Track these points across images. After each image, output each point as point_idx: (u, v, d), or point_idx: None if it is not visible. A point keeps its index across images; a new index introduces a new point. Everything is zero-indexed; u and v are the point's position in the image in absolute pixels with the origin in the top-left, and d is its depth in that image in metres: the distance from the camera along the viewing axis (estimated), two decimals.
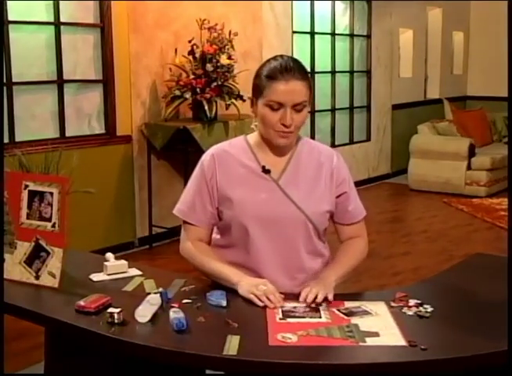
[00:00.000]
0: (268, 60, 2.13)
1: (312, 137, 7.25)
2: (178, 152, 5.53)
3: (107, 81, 5.31)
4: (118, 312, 1.81)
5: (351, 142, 8.24)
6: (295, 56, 2.23)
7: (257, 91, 2.10)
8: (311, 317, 1.88)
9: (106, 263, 2.26)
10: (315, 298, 1.95)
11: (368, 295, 2.16)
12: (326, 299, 1.96)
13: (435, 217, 6.85)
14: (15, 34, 4.69)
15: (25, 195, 2.16)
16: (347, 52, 8.10)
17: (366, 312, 1.92)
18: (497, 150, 8.19)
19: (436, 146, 7.97)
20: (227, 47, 5.56)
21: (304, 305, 1.95)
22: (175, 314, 1.80)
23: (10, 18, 4.63)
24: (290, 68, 2.06)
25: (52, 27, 4.96)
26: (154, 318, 1.84)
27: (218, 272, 2.12)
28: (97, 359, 2.01)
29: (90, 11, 5.19)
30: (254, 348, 1.69)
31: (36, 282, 2.15)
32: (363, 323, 1.83)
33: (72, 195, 2.22)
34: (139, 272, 2.26)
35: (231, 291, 2.03)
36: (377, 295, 2.17)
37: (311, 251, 2.20)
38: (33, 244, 2.15)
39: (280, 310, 1.92)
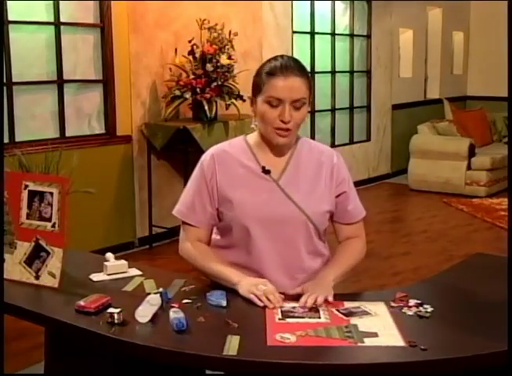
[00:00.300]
0: (269, 60, 2.14)
1: (312, 137, 7.25)
2: (178, 152, 5.53)
3: (107, 81, 5.31)
4: (118, 312, 1.81)
5: (351, 142, 8.24)
6: (295, 56, 2.24)
7: (257, 88, 2.11)
8: (310, 317, 1.88)
9: (106, 263, 2.26)
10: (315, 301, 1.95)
11: (368, 295, 2.16)
12: (325, 301, 1.96)
13: (435, 217, 6.85)
14: (15, 34, 4.69)
15: (25, 195, 2.16)
16: (347, 52, 8.10)
17: (366, 313, 1.91)
18: (497, 150, 8.19)
19: (436, 146, 7.97)
20: (227, 47, 5.56)
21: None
22: (175, 314, 1.80)
23: (10, 18, 4.63)
24: (290, 66, 2.07)
25: (52, 27, 4.96)
26: (154, 318, 1.84)
27: (218, 273, 2.11)
28: (97, 359, 2.01)
29: (90, 11, 5.20)
30: (254, 348, 1.69)
31: (36, 282, 2.15)
32: (362, 324, 1.83)
33: (72, 195, 2.22)
34: (139, 272, 2.26)
35: (231, 291, 2.03)
36: (377, 295, 2.17)
37: (312, 251, 2.20)
38: (33, 244, 2.15)
39: (279, 310, 1.92)
